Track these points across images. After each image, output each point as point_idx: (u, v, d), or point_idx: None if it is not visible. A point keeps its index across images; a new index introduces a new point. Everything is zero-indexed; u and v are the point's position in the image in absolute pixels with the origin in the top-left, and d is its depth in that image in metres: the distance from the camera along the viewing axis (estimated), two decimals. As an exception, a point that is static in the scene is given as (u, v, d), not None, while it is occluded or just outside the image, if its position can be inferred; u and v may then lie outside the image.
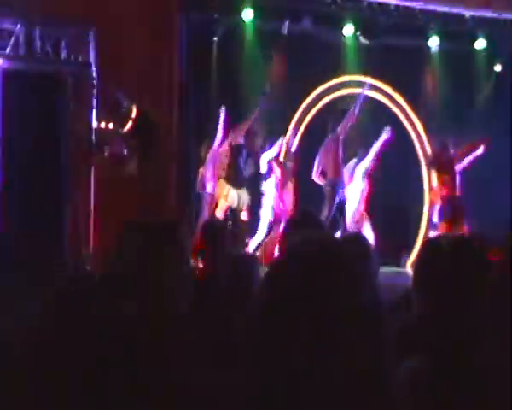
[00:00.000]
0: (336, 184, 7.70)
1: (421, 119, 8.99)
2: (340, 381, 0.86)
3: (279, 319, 0.89)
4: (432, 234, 7.80)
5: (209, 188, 7.41)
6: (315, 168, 7.84)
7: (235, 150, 7.43)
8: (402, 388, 1.05)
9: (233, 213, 7.46)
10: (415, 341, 1.55)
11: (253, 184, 7.73)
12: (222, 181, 7.41)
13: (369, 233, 7.47)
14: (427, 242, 2.32)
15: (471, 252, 1.86)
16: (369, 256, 2.48)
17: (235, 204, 7.44)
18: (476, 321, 1.48)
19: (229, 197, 7.41)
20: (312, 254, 0.93)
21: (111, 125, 5.69)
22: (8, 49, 5.30)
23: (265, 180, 7.76)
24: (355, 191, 7.89)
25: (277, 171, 7.76)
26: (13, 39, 5.35)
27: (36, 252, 4.44)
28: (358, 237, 2.88)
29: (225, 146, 7.39)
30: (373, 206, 8.00)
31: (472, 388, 1.30)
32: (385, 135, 7.86)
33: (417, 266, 2.33)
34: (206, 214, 7.19)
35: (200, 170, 7.44)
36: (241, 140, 7.49)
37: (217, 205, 7.41)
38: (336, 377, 0.86)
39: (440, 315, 1.61)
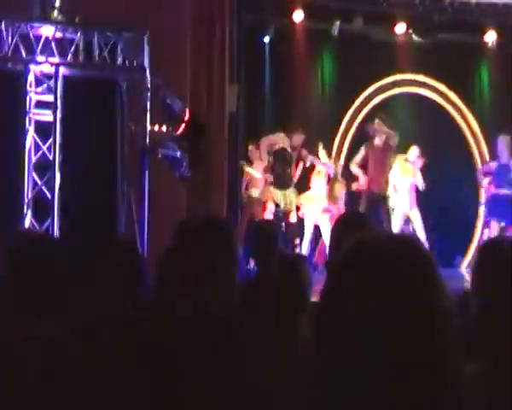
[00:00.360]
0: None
1: (476, 118, 8.76)
2: (408, 376, 0.86)
3: (352, 317, 0.88)
4: (487, 233, 7.61)
5: (255, 192, 7.49)
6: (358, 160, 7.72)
7: (278, 154, 7.46)
8: (466, 390, 1.04)
9: (281, 214, 7.49)
10: (475, 344, 1.53)
11: (301, 185, 7.73)
12: (268, 184, 7.49)
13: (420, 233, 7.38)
14: (488, 243, 2.27)
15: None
16: (425, 256, 2.44)
17: (282, 205, 7.47)
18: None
19: (277, 199, 7.44)
20: (378, 252, 0.92)
21: (164, 128, 5.80)
22: (69, 58, 5.50)
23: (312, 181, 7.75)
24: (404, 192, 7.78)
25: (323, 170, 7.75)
26: (73, 47, 5.53)
27: (91, 254, 4.57)
28: (412, 237, 2.84)
29: (267, 148, 7.45)
30: (427, 206, 7.86)
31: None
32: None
33: (477, 267, 2.29)
34: (253, 217, 7.23)
35: (248, 172, 7.53)
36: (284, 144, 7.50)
37: (265, 208, 7.46)
38: (405, 371, 0.85)
39: (501, 318, 1.58)
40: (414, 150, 7.77)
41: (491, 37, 8.55)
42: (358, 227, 2.43)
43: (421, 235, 7.34)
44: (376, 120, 7.68)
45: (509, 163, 7.54)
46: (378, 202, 7.55)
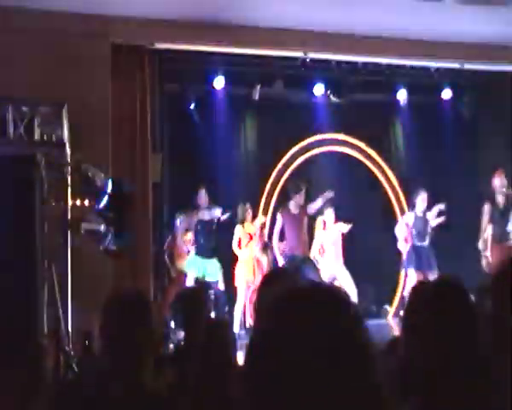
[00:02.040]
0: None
1: (393, 170, 9.15)
2: None
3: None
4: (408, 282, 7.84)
5: (182, 265, 7.49)
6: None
7: (197, 224, 7.50)
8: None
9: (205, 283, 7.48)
10: (403, 384, 1.53)
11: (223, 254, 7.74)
12: (191, 254, 7.51)
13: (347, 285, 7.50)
14: (414, 286, 2.37)
15: (453, 293, 1.86)
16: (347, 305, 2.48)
17: (201, 275, 7.47)
18: (466, 362, 1.48)
19: (196, 269, 7.46)
20: (285, 303, 0.91)
21: (86, 202, 5.70)
22: (-19, 135, 5.34)
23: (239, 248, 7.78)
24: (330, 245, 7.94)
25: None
26: (-14, 124, 5.39)
27: (11, 335, 4.37)
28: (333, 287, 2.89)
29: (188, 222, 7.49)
30: (352, 261, 8.02)
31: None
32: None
33: (404, 309, 2.39)
34: (178, 286, 7.17)
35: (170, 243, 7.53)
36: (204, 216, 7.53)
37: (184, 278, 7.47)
38: None
39: (427, 358, 1.61)
40: (329, 213, 7.93)
41: (402, 95, 9.03)
42: (277, 282, 2.45)
43: (352, 290, 7.46)
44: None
45: (425, 215, 7.90)
46: (303, 262, 7.62)
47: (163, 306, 6.85)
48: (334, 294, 0.93)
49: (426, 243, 7.88)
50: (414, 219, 7.92)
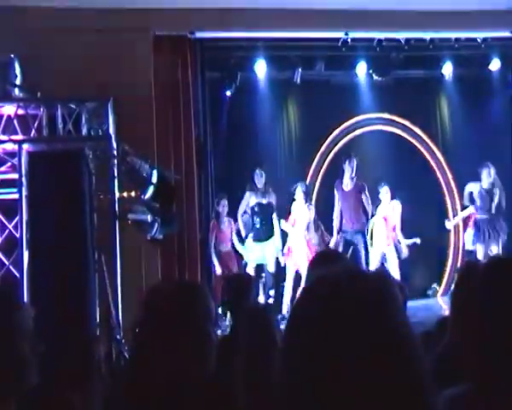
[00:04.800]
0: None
1: (439, 148, 8.96)
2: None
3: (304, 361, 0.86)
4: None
5: (225, 247, 7.54)
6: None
7: (254, 207, 7.56)
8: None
9: (259, 266, 7.55)
10: (452, 368, 1.50)
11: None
12: (248, 239, 7.57)
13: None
14: (462, 266, 2.32)
15: (505, 273, 1.82)
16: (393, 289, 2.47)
17: (260, 259, 7.54)
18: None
19: (253, 252, 7.51)
20: (332, 288, 0.89)
21: (133, 194, 5.85)
22: (32, 133, 5.54)
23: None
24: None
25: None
26: (36, 123, 5.59)
27: (65, 324, 4.55)
28: (376, 273, 2.89)
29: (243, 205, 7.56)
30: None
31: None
32: None
33: (453, 291, 2.35)
34: (228, 271, 7.26)
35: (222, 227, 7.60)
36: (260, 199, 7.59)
37: (237, 261, 7.54)
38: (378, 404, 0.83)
39: (478, 341, 1.57)
40: (384, 189, 7.90)
41: (447, 69, 8.79)
42: (329, 263, 2.44)
43: (395, 271, 7.42)
44: None
45: (492, 188, 7.74)
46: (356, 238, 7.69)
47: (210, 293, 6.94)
48: (379, 282, 0.91)
49: (489, 215, 7.68)
50: (479, 190, 7.76)
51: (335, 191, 7.93)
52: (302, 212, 7.73)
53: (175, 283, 2.51)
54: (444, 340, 2.28)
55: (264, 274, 7.63)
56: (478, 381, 1.38)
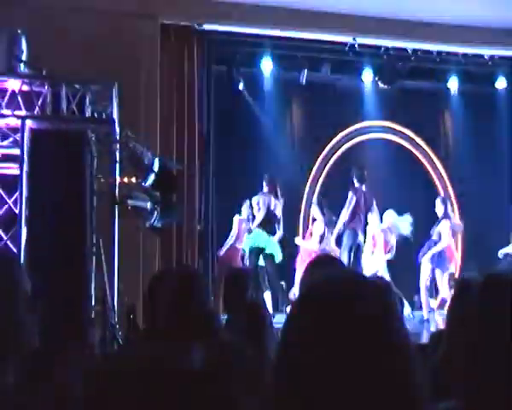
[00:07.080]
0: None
1: (441, 160, 8.96)
2: None
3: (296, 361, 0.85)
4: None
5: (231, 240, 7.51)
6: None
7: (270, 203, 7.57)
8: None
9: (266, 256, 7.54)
10: (446, 382, 1.49)
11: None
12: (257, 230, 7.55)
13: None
14: (458, 281, 2.31)
15: (498, 288, 1.80)
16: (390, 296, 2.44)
17: (263, 244, 7.54)
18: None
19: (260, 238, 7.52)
20: (333, 290, 0.90)
21: (134, 180, 5.77)
22: (36, 110, 5.44)
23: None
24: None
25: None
26: (40, 100, 5.49)
27: (60, 308, 4.47)
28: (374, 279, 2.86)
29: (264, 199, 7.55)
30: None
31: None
32: None
33: (449, 305, 2.33)
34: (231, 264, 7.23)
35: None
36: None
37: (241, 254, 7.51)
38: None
39: (472, 355, 1.54)
40: (389, 214, 7.83)
41: (453, 83, 8.80)
42: (324, 268, 2.41)
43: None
44: None
45: None
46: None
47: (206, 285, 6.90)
48: (373, 287, 0.91)
49: None
50: None
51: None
52: (319, 227, 7.79)
53: (176, 270, 2.50)
54: (437, 353, 2.25)
55: (265, 264, 7.58)
56: (475, 396, 1.36)
